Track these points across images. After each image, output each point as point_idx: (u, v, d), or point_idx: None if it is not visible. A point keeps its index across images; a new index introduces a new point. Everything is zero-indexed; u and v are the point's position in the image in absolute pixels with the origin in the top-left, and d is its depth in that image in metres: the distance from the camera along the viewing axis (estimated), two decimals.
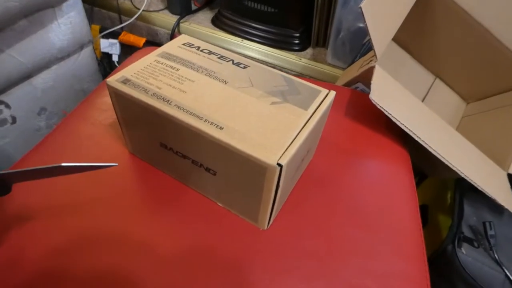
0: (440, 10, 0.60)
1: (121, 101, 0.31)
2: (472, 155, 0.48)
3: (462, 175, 0.42)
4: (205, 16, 0.94)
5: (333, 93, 0.31)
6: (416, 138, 0.41)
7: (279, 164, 0.24)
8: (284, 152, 0.25)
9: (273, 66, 0.82)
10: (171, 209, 0.33)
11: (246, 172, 0.27)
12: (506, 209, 0.47)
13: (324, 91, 0.31)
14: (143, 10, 0.91)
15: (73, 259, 0.29)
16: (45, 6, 0.70)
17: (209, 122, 0.27)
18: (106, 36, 0.97)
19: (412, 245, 0.34)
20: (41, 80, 0.78)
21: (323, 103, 0.30)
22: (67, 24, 0.77)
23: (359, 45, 0.66)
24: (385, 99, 0.41)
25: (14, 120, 0.75)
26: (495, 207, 0.56)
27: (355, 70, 0.54)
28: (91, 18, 1.03)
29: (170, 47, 0.35)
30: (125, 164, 0.37)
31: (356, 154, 0.41)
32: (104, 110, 0.43)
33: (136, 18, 0.92)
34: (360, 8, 0.39)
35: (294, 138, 0.26)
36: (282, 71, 0.80)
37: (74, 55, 0.84)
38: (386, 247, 0.33)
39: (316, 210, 0.35)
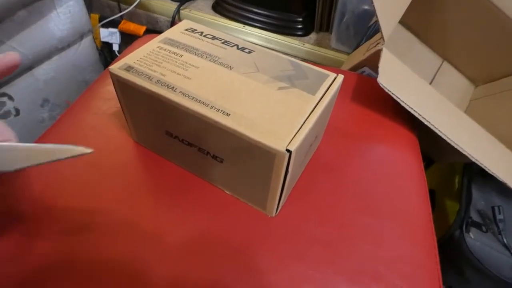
0: None
1: (125, 89, 0.30)
2: (482, 139, 0.47)
3: (473, 159, 0.41)
4: (206, 2, 0.92)
5: (341, 77, 0.31)
6: (426, 123, 0.40)
7: (288, 150, 0.24)
8: (293, 138, 0.24)
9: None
10: (178, 198, 0.33)
11: (254, 159, 0.26)
12: None
13: (332, 75, 0.31)
14: None
15: (82, 248, 0.29)
16: None
17: (215, 108, 0.26)
18: (105, 25, 0.95)
19: (421, 230, 0.34)
20: (43, 71, 0.77)
21: (331, 87, 0.29)
22: (66, 13, 0.76)
23: (364, 28, 0.65)
24: (393, 83, 0.40)
25: (17, 112, 0.75)
26: (504, 191, 0.56)
27: (361, 53, 0.53)
28: (90, 7, 1.01)
29: (172, 33, 0.34)
30: (131, 153, 0.37)
31: (364, 139, 0.41)
32: (107, 99, 0.42)
33: (136, 6, 0.90)
34: None
35: (303, 124, 0.26)
36: None
37: (75, 45, 0.83)
38: (396, 233, 0.33)
39: (324, 196, 0.34)
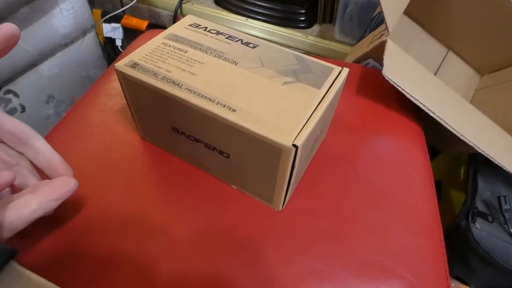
0: None
1: (131, 86, 0.30)
2: (488, 129, 0.47)
3: (479, 150, 0.41)
4: None
5: (346, 70, 0.31)
6: (431, 114, 0.40)
7: (294, 145, 0.24)
8: (299, 133, 0.25)
9: (279, 45, 0.81)
10: (185, 193, 0.33)
11: (260, 154, 0.26)
12: None
13: (337, 69, 0.31)
14: None
15: (89, 242, 0.30)
16: None
17: (221, 104, 0.26)
18: (108, 21, 0.95)
19: (427, 221, 0.34)
20: (47, 67, 0.78)
21: (336, 81, 0.29)
22: (69, 9, 0.76)
23: (368, 19, 0.64)
24: (398, 75, 0.40)
25: (23, 109, 0.75)
26: (510, 181, 0.56)
27: (365, 45, 0.52)
28: (92, 2, 1.01)
29: (177, 28, 0.34)
30: (137, 149, 0.37)
31: (369, 132, 0.41)
32: (112, 95, 0.42)
33: (138, 1, 0.90)
34: None
35: (308, 119, 0.26)
36: None
37: (78, 41, 0.83)
38: (402, 225, 0.33)
39: (330, 189, 0.35)
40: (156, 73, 0.29)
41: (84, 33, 0.84)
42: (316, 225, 0.32)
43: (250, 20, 0.82)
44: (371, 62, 0.51)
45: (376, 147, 0.39)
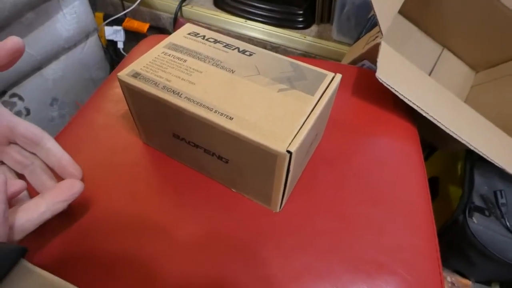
0: None
1: (133, 94, 0.32)
2: (481, 127, 0.48)
3: (472, 148, 0.42)
4: None
5: (339, 77, 0.32)
6: (424, 114, 0.41)
7: (288, 151, 0.25)
8: (293, 139, 0.26)
9: (278, 46, 0.82)
10: (187, 195, 0.35)
11: (257, 160, 0.28)
12: None
13: (330, 75, 0.32)
14: None
15: (96, 243, 0.31)
16: None
17: (219, 112, 0.28)
18: (110, 24, 0.97)
19: (421, 219, 0.35)
20: (51, 71, 0.79)
21: (329, 87, 0.31)
22: (72, 13, 0.78)
23: (365, 19, 0.65)
24: (391, 76, 0.41)
25: (28, 112, 0.77)
26: (506, 176, 0.57)
27: (361, 47, 0.53)
28: (94, 5, 1.02)
29: (176, 37, 0.36)
30: (140, 154, 0.38)
31: (364, 133, 0.42)
32: (116, 101, 0.44)
33: (139, 4, 0.91)
34: None
35: (302, 125, 0.27)
36: (287, 50, 0.80)
37: (81, 44, 0.85)
38: (397, 222, 0.34)
39: (327, 189, 0.36)
40: (156, 83, 0.30)
41: (87, 36, 0.85)
42: (313, 225, 0.33)
43: (249, 21, 0.83)
44: (366, 63, 0.52)
45: (371, 147, 0.40)
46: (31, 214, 0.26)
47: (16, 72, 0.71)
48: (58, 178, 0.34)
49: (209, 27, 0.88)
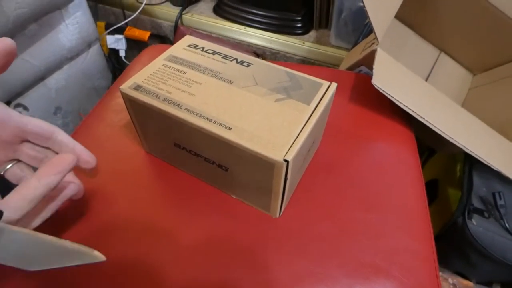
0: None
1: (135, 106, 0.33)
2: (478, 130, 0.49)
3: (467, 151, 0.43)
4: (207, 5, 0.94)
5: (334, 86, 0.33)
6: (420, 119, 0.42)
7: (285, 160, 0.26)
8: (289, 148, 0.27)
9: (277, 52, 0.83)
10: (189, 202, 0.36)
11: (255, 168, 0.29)
12: None
13: (326, 84, 0.33)
14: (145, 4, 0.92)
15: (100, 249, 0.32)
16: (52, 8, 0.72)
17: (218, 123, 0.29)
18: (112, 33, 0.98)
19: (418, 222, 0.36)
20: (54, 80, 0.81)
21: (325, 96, 0.32)
22: (74, 24, 0.79)
23: (362, 25, 0.66)
24: (388, 82, 0.42)
25: None
26: (505, 178, 0.57)
27: (357, 53, 0.54)
28: (95, 15, 1.04)
29: (176, 49, 0.37)
30: (143, 162, 0.39)
31: (362, 138, 0.43)
32: (118, 111, 0.45)
33: (140, 13, 0.93)
34: None
35: (299, 134, 0.28)
36: (286, 56, 0.81)
37: (83, 54, 0.86)
38: (393, 226, 0.35)
39: (325, 195, 0.37)
40: (157, 95, 0.31)
41: (89, 45, 0.87)
42: (312, 230, 0.34)
43: (248, 28, 0.85)
44: (364, 69, 0.53)
45: (368, 152, 0.41)
46: (23, 190, 0.25)
47: (20, 83, 0.72)
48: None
49: (209, 34, 0.89)
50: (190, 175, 0.38)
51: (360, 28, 0.68)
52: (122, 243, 0.33)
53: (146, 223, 0.34)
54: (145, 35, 0.96)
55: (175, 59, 0.35)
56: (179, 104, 0.30)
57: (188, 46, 0.37)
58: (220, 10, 0.89)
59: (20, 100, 0.75)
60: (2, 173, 0.33)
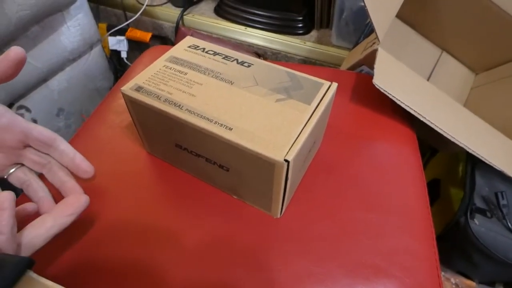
0: None
1: (136, 107, 0.33)
2: (480, 129, 0.49)
3: (469, 150, 0.43)
4: (208, 6, 0.94)
5: (335, 85, 0.33)
6: (422, 119, 0.42)
7: (286, 160, 0.26)
8: (290, 148, 0.27)
9: (278, 52, 0.83)
10: (191, 203, 0.36)
11: (256, 168, 0.29)
12: None
13: (326, 84, 0.33)
14: (146, 5, 0.92)
15: (102, 253, 0.32)
16: (54, 10, 0.72)
17: (218, 123, 0.29)
18: (113, 34, 0.99)
19: (419, 222, 0.36)
20: (57, 82, 0.81)
21: (325, 96, 0.32)
22: (76, 26, 0.79)
23: (363, 24, 0.66)
24: (389, 82, 0.42)
25: (35, 122, 0.78)
26: (507, 177, 0.57)
27: (358, 53, 0.54)
28: (97, 16, 1.04)
29: (177, 50, 0.37)
30: (144, 163, 0.39)
31: (363, 138, 0.43)
32: (120, 112, 0.45)
33: (141, 14, 0.93)
34: None
35: (299, 134, 0.28)
36: (287, 56, 0.81)
37: (85, 56, 0.86)
38: (395, 227, 0.35)
39: (326, 195, 0.37)
40: (158, 96, 0.31)
41: (91, 47, 0.87)
42: (313, 230, 0.34)
43: (249, 28, 0.85)
44: (365, 68, 0.53)
45: (370, 152, 0.41)
46: (38, 229, 0.27)
47: (23, 85, 0.73)
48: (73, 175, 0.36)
49: (210, 35, 0.89)
50: (191, 176, 0.38)
51: (361, 27, 0.68)
52: (125, 244, 0.33)
53: (148, 224, 0.34)
54: (146, 36, 0.97)
55: (176, 60, 0.35)
56: (180, 105, 0.30)
57: (189, 47, 0.37)
58: (221, 11, 0.89)
59: (22, 102, 0.75)
60: (6, 176, 0.33)
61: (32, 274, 0.22)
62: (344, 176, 0.38)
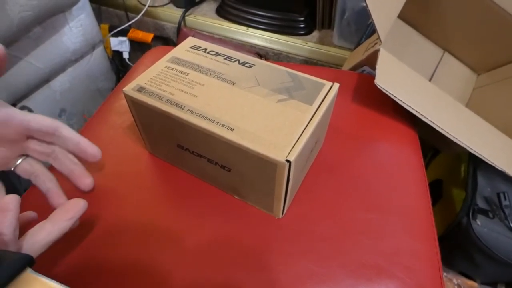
0: None
1: (138, 108, 0.33)
2: (482, 130, 0.49)
3: (471, 151, 0.43)
4: (210, 7, 0.95)
5: (336, 86, 0.33)
6: (424, 119, 0.42)
7: (287, 160, 0.26)
8: (292, 149, 0.27)
9: (280, 53, 0.83)
10: (192, 204, 0.36)
11: (258, 169, 0.29)
12: None
13: (328, 84, 0.33)
14: (148, 6, 0.93)
15: (104, 253, 0.33)
16: (56, 11, 0.72)
17: (220, 124, 0.29)
18: (115, 34, 0.99)
19: (422, 223, 0.36)
20: (59, 83, 0.81)
21: (327, 96, 0.32)
22: (78, 26, 0.80)
23: (365, 25, 0.66)
24: (391, 82, 0.42)
25: None
26: (510, 178, 0.57)
27: (360, 53, 0.54)
28: (99, 17, 1.05)
29: (178, 51, 0.37)
30: (146, 163, 0.40)
31: (365, 138, 0.43)
32: (122, 113, 0.45)
33: (143, 15, 0.93)
34: None
35: (301, 134, 0.28)
36: (289, 57, 0.81)
37: (87, 56, 0.87)
38: (397, 227, 0.35)
39: (328, 195, 0.37)
40: (160, 96, 0.31)
41: (93, 48, 0.87)
42: (314, 230, 0.34)
43: (251, 29, 0.85)
44: (367, 69, 0.52)
45: (371, 153, 0.41)
46: (38, 235, 0.26)
47: (25, 85, 0.73)
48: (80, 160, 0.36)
49: (212, 35, 0.90)
50: (193, 176, 0.38)
51: (363, 28, 0.68)
52: (127, 244, 0.33)
53: (150, 224, 0.34)
54: (148, 37, 0.97)
55: (177, 61, 0.35)
56: (181, 106, 0.30)
57: (191, 47, 0.37)
58: (223, 12, 0.89)
59: (25, 102, 0.76)
60: (13, 168, 0.33)
61: (32, 272, 0.22)
62: (346, 176, 0.38)
